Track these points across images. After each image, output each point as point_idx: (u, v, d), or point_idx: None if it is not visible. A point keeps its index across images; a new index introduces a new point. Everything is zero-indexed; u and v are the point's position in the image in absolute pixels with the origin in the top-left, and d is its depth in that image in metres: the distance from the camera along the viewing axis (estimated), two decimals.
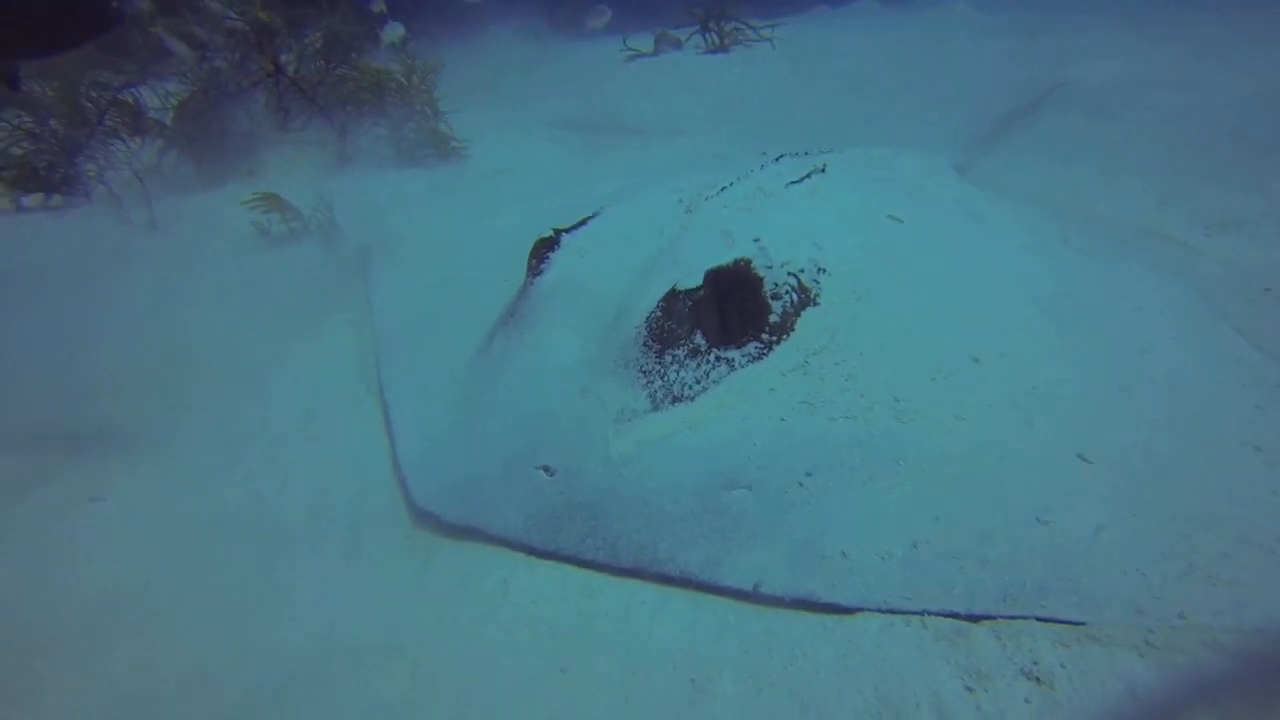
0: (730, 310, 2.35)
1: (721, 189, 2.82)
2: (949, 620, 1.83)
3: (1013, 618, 1.80)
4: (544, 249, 2.65)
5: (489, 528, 2.13)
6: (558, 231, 2.70)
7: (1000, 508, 2.01)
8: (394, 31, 8.98)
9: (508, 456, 2.24)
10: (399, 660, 1.83)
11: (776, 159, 3.14)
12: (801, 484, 2.08)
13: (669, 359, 2.28)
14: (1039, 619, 1.79)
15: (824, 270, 2.49)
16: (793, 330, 2.37)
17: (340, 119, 5.51)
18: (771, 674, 1.75)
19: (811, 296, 2.43)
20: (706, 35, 10.66)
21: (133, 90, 5.68)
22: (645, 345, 2.29)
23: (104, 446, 2.61)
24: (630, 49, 10.23)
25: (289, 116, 5.65)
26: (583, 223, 2.77)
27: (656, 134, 6.11)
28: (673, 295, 2.29)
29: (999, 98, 6.13)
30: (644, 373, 2.28)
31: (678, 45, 10.66)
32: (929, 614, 1.84)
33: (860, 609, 1.87)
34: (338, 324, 3.48)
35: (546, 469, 2.18)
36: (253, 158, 5.38)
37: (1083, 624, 1.77)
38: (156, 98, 5.50)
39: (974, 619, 1.82)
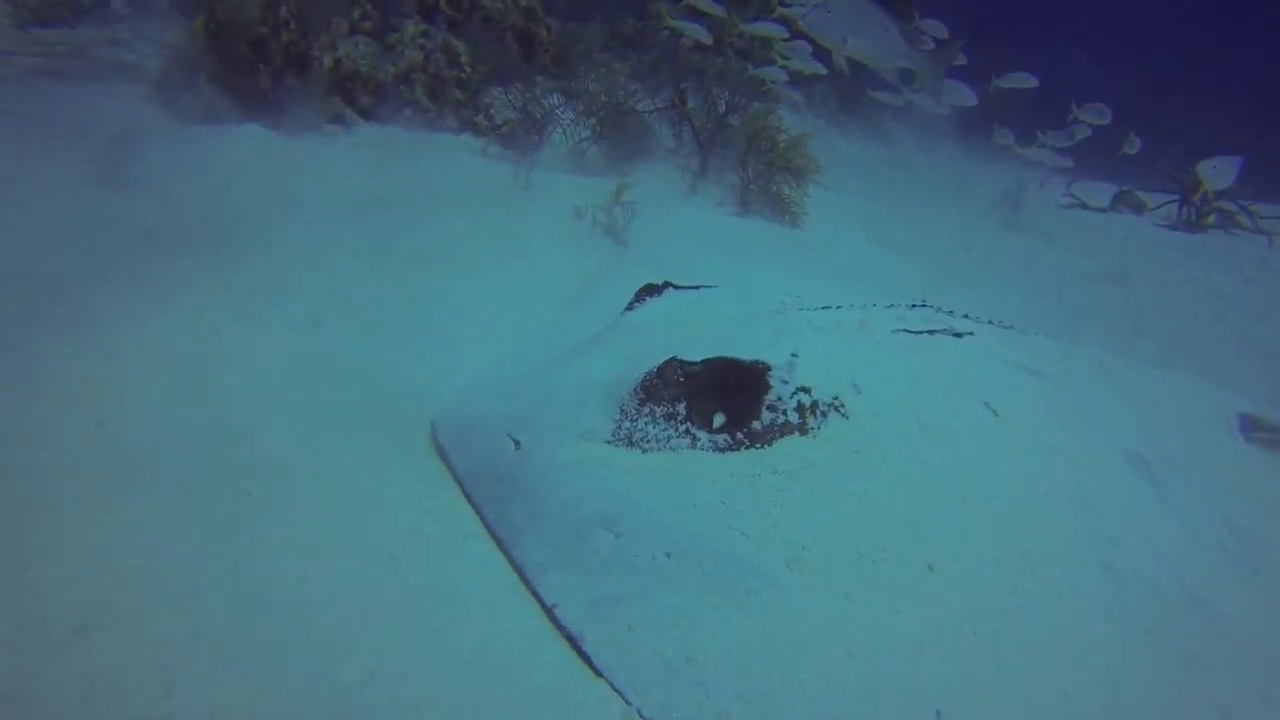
0: (722, 398, 2.50)
1: (824, 307, 2.88)
2: None
3: None
4: (645, 293, 3.06)
5: (448, 455, 2.68)
6: (666, 284, 3.07)
7: (793, 696, 1.90)
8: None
9: (502, 420, 2.74)
10: (325, 489, 2.52)
11: (914, 306, 3.03)
12: (655, 558, 2.21)
13: (645, 410, 2.55)
14: None
15: (843, 414, 2.48)
16: (769, 446, 2.44)
17: (706, 157, 6.38)
18: (482, 686, 1.99)
19: (808, 427, 2.45)
20: (1184, 209, 9.25)
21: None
22: (634, 391, 2.58)
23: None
24: (1074, 197, 9.36)
25: (679, 143, 6.71)
26: (695, 288, 3.09)
27: (990, 286, 5.69)
28: (671, 361, 2.53)
29: None
30: (623, 412, 2.58)
31: (1138, 210, 9.41)
32: (642, 716, 1.88)
33: (603, 677, 1.99)
34: (555, 300, 4.30)
35: (517, 442, 2.63)
36: (632, 163, 6.55)
37: None
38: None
39: None
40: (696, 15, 7.78)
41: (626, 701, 1.92)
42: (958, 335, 2.86)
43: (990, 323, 3.13)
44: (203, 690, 1.89)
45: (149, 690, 1.88)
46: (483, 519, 2.48)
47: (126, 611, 2.03)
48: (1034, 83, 10.54)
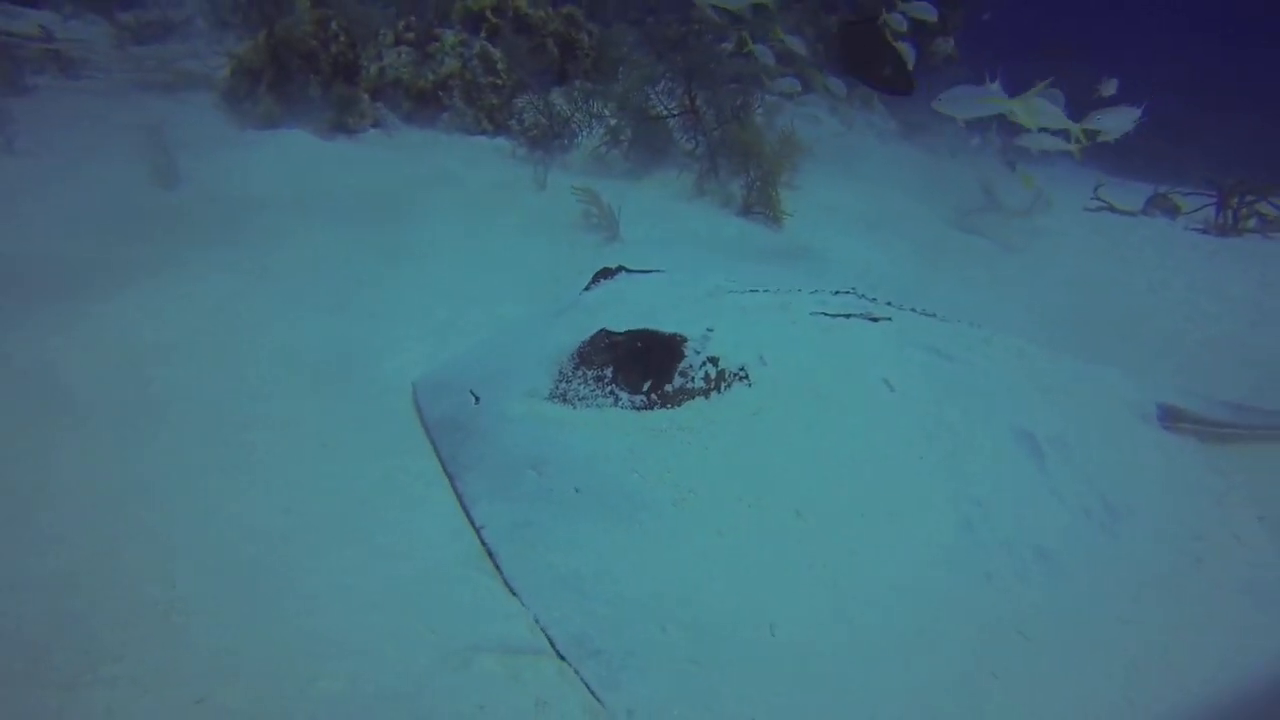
0: (641, 364, 2.90)
1: (751, 290, 3.24)
2: (543, 636, 2.25)
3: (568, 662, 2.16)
4: (601, 275, 3.47)
5: (420, 409, 3.15)
6: (620, 268, 3.48)
7: (652, 603, 2.29)
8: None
9: (467, 381, 3.19)
10: (319, 443, 3.02)
11: (838, 292, 3.35)
12: (566, 493, 2.63)
13: (579, 372, 2.97)
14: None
15: (747, 382, 2.85)
16: (678, 406, 2.83)
17: (716, 160, 6.75)
18: (423, 598, 2.42)
19: (713, 392, 2.83)
20: (1223, 211, 9.09)
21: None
22: (571, 357, 3.00)
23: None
24: (1101, 200, 9.29)
25: (696, 146, 7.11)
26: (644, 272, 3.49)
27: (978, 290, 5.84)
28: (601, 332, 2.95)
29: None
30: (561, 374, 3.00)
31: (1172, 213, 9.28)
32: (530, 611, 2.30)
33: (510, 584, 2.41)
34: (549, 285, 4.75)
35: (476, 398, 3.08)
36: (650, 166, 6.97)
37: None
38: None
39: (552, 644, 2.22)
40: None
41: (524, 604, 2.34)
42: (874, 319, 3.18)
43: (912, 310, 3.43)
44: (198, 585, 2.39)
45: (159, 582, 2.40)
46: (440, 460, 2.94)
47: (152, 527, 2.56)
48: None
